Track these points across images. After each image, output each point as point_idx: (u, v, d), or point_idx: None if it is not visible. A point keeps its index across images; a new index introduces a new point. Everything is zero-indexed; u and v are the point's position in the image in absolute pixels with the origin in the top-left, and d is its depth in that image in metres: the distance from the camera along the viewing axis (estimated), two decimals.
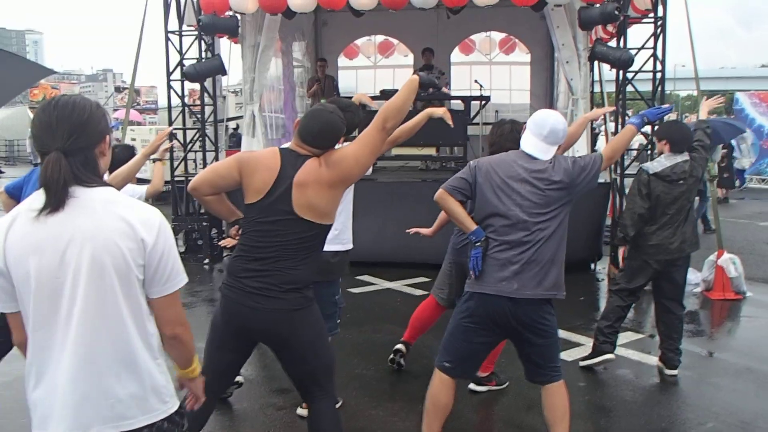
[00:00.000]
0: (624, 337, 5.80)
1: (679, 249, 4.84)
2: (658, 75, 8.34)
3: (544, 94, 12.00)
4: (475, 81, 10.67)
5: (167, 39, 8.93)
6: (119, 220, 1.91)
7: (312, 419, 3.15)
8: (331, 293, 4.13)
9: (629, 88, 8.53)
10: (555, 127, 3.45)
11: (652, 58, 8.25)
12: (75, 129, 1.91)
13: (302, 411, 4.07)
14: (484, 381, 4.71)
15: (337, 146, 3.06)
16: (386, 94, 10.74)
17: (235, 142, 14.74)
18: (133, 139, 14.90)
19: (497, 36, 12.92)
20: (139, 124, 20.02)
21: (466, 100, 10.43)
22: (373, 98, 11.10)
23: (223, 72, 8.68)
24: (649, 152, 8.68)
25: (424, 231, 4.71)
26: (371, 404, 4.56)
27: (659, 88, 8.40)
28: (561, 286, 3.44)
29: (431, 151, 9.79)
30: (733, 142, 15.01)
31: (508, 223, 3.37)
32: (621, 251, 4.96)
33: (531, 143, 3.48)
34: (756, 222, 11.69)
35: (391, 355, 5.03)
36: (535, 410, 3.69)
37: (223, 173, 3.00)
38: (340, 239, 4.02)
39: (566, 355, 5.34)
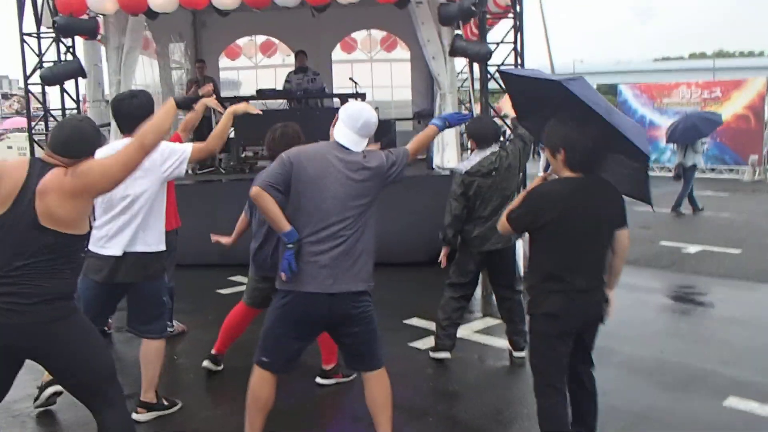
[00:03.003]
0: (475, 323, 5.95)
1: (498, 239, 4.88)
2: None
3: (426, 90, 12.17)
4: (350, 78, 10.73)
5: (22, 41, 8.56)
6: None
7: None
8: (155, 293, 4.08)
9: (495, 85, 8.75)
10: (368, 120, 3.52)
11: (512, 53, 8.50)
12: None
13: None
14: (330, 374, 4.73)
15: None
16: (262, 94, 10.68)
17: None
18: (9, 147, 14.28)
19: (378, 34, 13.03)
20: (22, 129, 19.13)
21: (342, 97, 10.48)
22: (250, 98, 11.02)
23: (83, 74, 8.38)
24: None
25: (224, 239, 4.72)
26: (212, 404, 4.53)
27: None
28: (372, 275, 3.51)
29: None
30: None
31: (322, 216, 3.38)
32: (443, 252, 5.02)
33: (344, 135, 3.51)
34: (631, 207, 12.14)
35: (206, 363, 4.94)
36: None
37: None
38: (145, 241, 3.96)
39: (421, 344, 5.45)
